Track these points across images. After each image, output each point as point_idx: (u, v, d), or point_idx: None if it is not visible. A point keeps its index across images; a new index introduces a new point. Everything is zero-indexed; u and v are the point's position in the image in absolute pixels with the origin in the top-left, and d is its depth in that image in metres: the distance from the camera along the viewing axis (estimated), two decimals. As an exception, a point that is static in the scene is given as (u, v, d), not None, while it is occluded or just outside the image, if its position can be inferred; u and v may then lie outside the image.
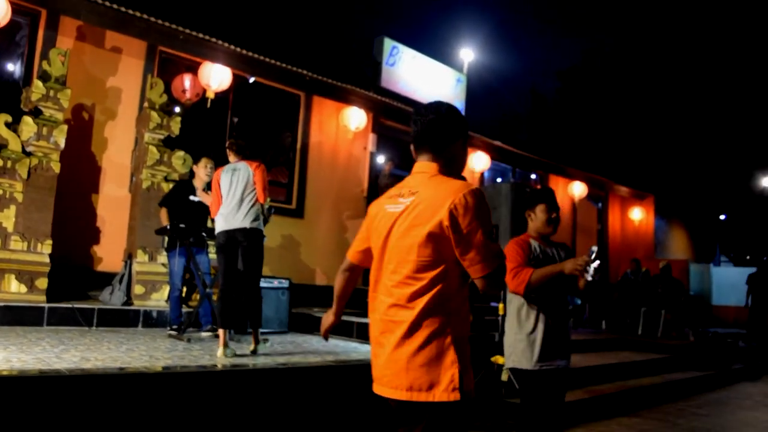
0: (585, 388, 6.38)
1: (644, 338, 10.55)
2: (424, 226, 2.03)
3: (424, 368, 1.99)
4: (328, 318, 2.55)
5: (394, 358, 2.04)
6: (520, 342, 3.36)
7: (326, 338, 2.57)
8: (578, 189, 15.21)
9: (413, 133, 2.25)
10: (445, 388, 1.97)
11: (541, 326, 3.33)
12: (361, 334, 6.95)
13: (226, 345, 4.94)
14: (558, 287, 3.40)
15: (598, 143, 20.15)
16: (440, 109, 2.23)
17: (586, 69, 27.52)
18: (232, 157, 5.58)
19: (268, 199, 5.77)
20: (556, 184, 14.78)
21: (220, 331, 5.04)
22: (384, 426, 3.10)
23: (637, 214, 17.97)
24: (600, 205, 17.17)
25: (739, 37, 26.45)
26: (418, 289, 2.03)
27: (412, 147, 2.28)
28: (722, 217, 28.79)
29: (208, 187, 6.32)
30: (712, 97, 26.81)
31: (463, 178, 2.21)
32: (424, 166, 2.23)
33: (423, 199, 2.09)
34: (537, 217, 3.53)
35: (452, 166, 2.22)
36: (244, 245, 5.24)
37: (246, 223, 5.22)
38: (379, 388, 2.12)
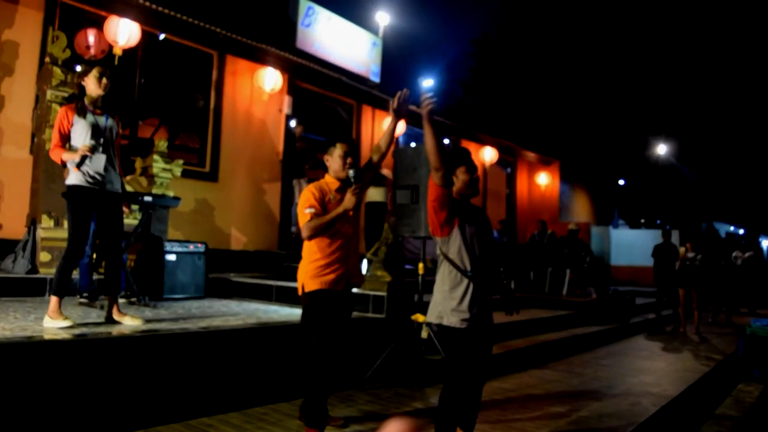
0: (499, 343, 6.65)
1: (551, 296, 11.08)
2: None
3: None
4: None
5: None
6: (448, 300, 3.44)
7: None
8: (489, 154, 15.61)
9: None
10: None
11: (470, 287, 3.43)
12: (280, 297, 6.92)
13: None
14: (488, 251, 3.53)
15: (508, 110, 20.75)
16: None
17: (498, 38, 28.08)
18: None
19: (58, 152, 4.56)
20: (468, 149, 15.07)
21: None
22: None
23: (544, 178, 18.69)
24: (509, 170, 17.71)
25: (637, 11, 27.67)
26: None
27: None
28: (621, 182, 30.42)
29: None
30: (613, 68, 28.01)
31: None
32: None
33: None
34: (459, 179, 3.59)
35: None
36: None
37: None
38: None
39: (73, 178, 4.51)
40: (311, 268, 3.67)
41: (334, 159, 3.75)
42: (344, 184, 3.71)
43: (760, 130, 30.27)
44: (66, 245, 4.54)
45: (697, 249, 10.47)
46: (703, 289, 10.62)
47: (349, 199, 3.58)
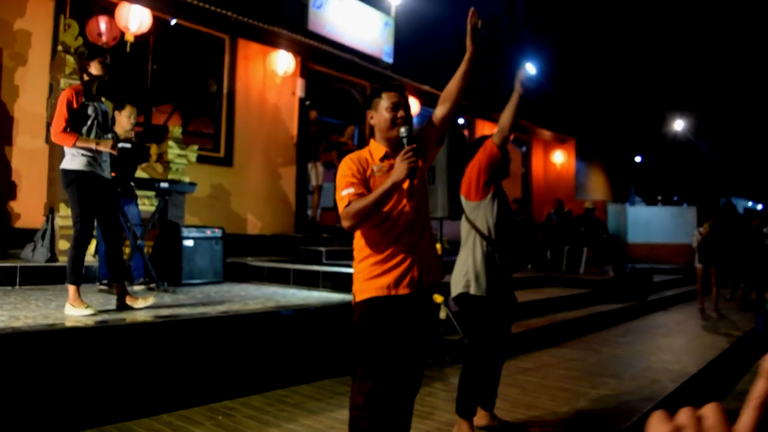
0: (517, 322, 6.64)
1: (568, 275, 11.03)
2: None
3: None
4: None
5: None
6: (474, 270, 3.48)
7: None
8: (504, 133, 15.47)
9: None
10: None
11: (495, 257, 3.47)
12: (298, 280, 6.95)
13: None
14: (511, 227, 3.57)
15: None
16: None
17: (509, 15, 27.80)
18: None
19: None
20: (483, 128, 15.00)
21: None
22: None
23: (559, 157, 18.54)
24: (524, 149, 17.59)
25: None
26: None
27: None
28: (637, 159, 30.11)
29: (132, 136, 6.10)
30: (629, 42, 27.60)
31: None
32: None
33: None
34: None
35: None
36: None
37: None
38: None
39: (76, 163, 4.43)
40: (361, 269, 2.66)
41: (379, 114, 2.67)
42: (394, 149, 2.65)
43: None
44: (74, 233, 4.50)
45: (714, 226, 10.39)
46: (720, 266, 10.54)
47: (398, 168, 2.47)
